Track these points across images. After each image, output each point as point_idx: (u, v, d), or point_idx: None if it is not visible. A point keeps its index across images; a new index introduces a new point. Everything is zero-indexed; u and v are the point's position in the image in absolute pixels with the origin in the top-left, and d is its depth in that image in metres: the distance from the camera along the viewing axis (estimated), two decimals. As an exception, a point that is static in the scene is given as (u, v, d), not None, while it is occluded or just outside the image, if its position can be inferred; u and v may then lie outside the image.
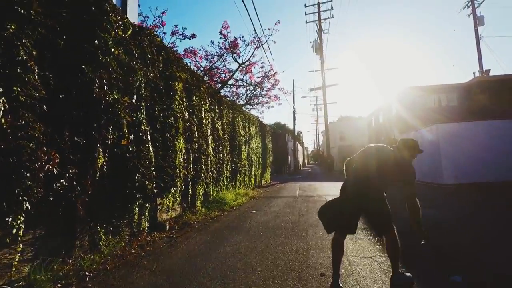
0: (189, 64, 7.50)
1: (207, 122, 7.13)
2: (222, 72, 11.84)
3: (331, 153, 28.68)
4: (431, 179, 11.38)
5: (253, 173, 11.78)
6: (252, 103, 15.06)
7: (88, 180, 3.15)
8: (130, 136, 3.87)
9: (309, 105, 67.36)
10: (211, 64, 11.55)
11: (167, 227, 5.09)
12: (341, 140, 35.95)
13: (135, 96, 3.98)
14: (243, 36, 10.86)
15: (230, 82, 13.65)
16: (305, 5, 26.20)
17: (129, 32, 3.90)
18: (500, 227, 4.88)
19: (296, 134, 35.83)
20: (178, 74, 5.27)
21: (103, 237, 3.57)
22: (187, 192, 5.97)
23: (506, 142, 10.24)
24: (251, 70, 12.75)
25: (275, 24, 11.19)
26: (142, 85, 4.17)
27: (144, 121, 4.19)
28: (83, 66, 3.06)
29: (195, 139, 6.24)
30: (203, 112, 6.78)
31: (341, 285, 2.61)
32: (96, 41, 3.26)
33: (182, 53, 10.24)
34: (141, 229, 4.49)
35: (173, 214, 5.65)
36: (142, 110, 4.14)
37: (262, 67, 14.98)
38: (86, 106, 3.10)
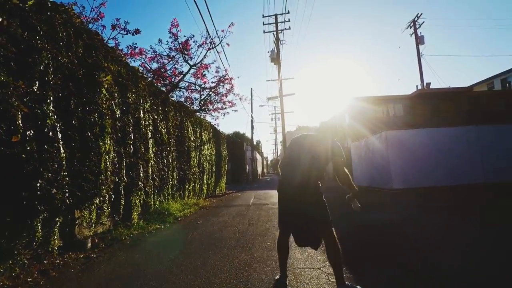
0: (137, 66, 6.71)
1: (148, 123, 6.36)
2: (172, 75, 11.03)
3: (289, 162, 28.90)
4: (381, 184, 11.67)
5: (205, 181, 11.06)
6: (207, 109, 14.39)
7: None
8: (29, 132, 3.06)
9: (268, 114, 68.23)
10: (160, 65, 10.70)
11: (89, 245, 4.24)
12: (298, 149, 36.49)
13: (37, 82, 3.19)
14: (194, 36, 10.19)
15: (183, 85, 12.91)
16: (263, 15, 26.48)
17: (30, 3, 3.14)
18: (438, 225, 4.85)
19: (255, 143, 35.66)
20: (106, 64, 4.52)
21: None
22: (119, 202, 5.13)
23: (445, 148, 10.87)
24: (205, 74, 12.15)
25: (229, 26, 10.75)
26: (50, 70, 3.39)
27: (52, 114, 3.39)
28: None
29: (130, 142, 5.45)
30: (141, 112, 6.02)
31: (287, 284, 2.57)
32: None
33: (125, 50, 9.30)
34: (50, 249, 3.62)
35: (99, 229, 4.78)
36: (49, 101, 3.35)
37: (217, 72, 14.35)
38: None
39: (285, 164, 2.71)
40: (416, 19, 24.44)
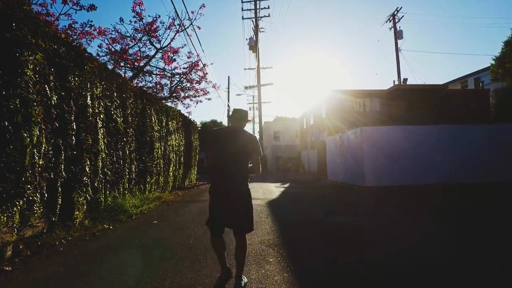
0: (98, 49, 5.89)
1: (98, 111, 5.66)
2: (136, 58, 10.13)
3: (265, 153, 28.62)
4: (354, 181, 11.57)
5: (171, 173, 10.44)
6: (177, 96, 13.58)
7: None
8: None
9: (245, 104, 67.43)
10: (123, 46, 9.76)
11: (9, 253, 3.61)
12: (275, 140, 36.36)
13: None
14: (159, 16, 9.33)
15: (152, 70, 12.03)
16: (241, 0, 25.48)
17: None
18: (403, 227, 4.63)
19: (231, 132, 34.99)
20: (33, 41, 3.79)
21: None
22: (55, 201, 4.48)
23: (420, 146, 10.86)
24: (175, 59, 11.32)
25: (200, 7, 9.97)
26: None
27: None
28: None
29: (71, 132, 4.77)
30: (88, 98, 5.31)
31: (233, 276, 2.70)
32: None
33: (79, 29, 8.28)
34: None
35: (28, 233, 4.12)
36: None
37: (189, 57, 13.50)
38: None
39: (214, 158, 2.73)
40: (395, 13, 24.48)
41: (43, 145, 4.06)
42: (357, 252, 3.71)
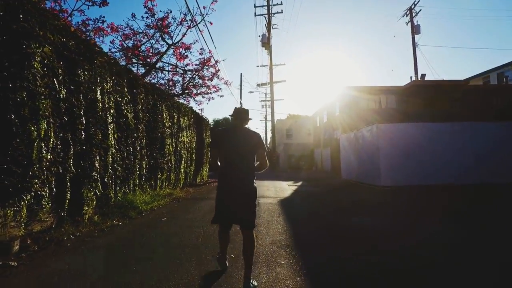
0: (110, 47, 5.87)
1: (108, 106, 5.60)
2: (147, 54, 10.11)
3: (277, 151, 28.37)
4: (369, 180, 11.20)
5: (182, 170, 10.38)
6: (189, 93, 13.54)
7: None
8: None
9: (258, 101, 67.25)
10: (135, 42, 9.75)
11: (16, 247, 3.56)
12: (288, 138, 36.00)
13: None
14: (171, 11, 9.27)
15: (164, 67, 12.00)
16: (255, -4, 25.22)
17: None
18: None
19: (244, 130, 34.87)
20: (40, 33, 3.72)
21: None
22: (64, 196, 4.44)
23: (439, 145, 10.37)
24: (186, 55, 11.25)
25: (212, 3, 9.83)
26: None
27: None
28: None
29: (80, 127, 4.71)
30: (98, 93, 5.25)
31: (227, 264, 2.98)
32: None
33: (92, 25, 8.28)
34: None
35: (37, 227, 4.09)
36: None
37: (201, 54, 13.44)
38: None
39: (221, 156, 2.83)
40: (412, 6, 23.64)
41: (51, 139, 4.00)
42: (376, 257, 3.48)
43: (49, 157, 3.96)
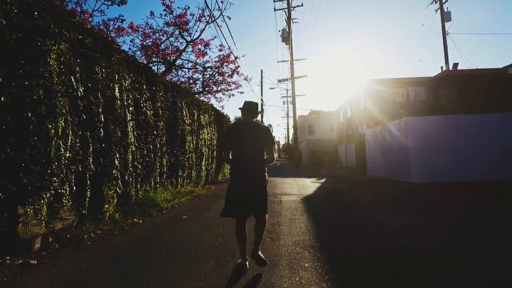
0: (130, 46, 5.87)
1: (126, 103, 5.57)
2: (166, 51, 10.11)
3: (300, 147, 27.91)
4: (397, 176, 10.59)
5: (203, 167, 10.34)
6: (209, 91, 13.50)
7: None
8: None
9: (279, 97, 66.62)
10: (154, 40, 9.78)
11: (37, 245, 3.57)
12: (310, 134, 35.32)
13: None
14: (189, 8, 9.19)
15: (184, 64, 12.01)
16: (274, -10, 24.77)
17: None
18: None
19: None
20: (55, 30, 3.68)
21: None
22: (84, 194, 4.44)
23: (475, 139, 9.56)
24: (206, 51, 11.17)
25: (229, -4, 9.63)
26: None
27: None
28: None
29: (99, 124, 4.69)
30: (117, 90, 5.22)
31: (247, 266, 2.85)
32: None
33: (112, 25, 8.36)
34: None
35: (58, 225, 4.11)
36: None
37: (220, 50, 13.33)
38: None
39: (235, 150, 2.93)
40: (443, -8, 22.16)
41: (70, 137, 3.98)
42: (412, 262, 3.13)
43: (67, 155, 3.95)
